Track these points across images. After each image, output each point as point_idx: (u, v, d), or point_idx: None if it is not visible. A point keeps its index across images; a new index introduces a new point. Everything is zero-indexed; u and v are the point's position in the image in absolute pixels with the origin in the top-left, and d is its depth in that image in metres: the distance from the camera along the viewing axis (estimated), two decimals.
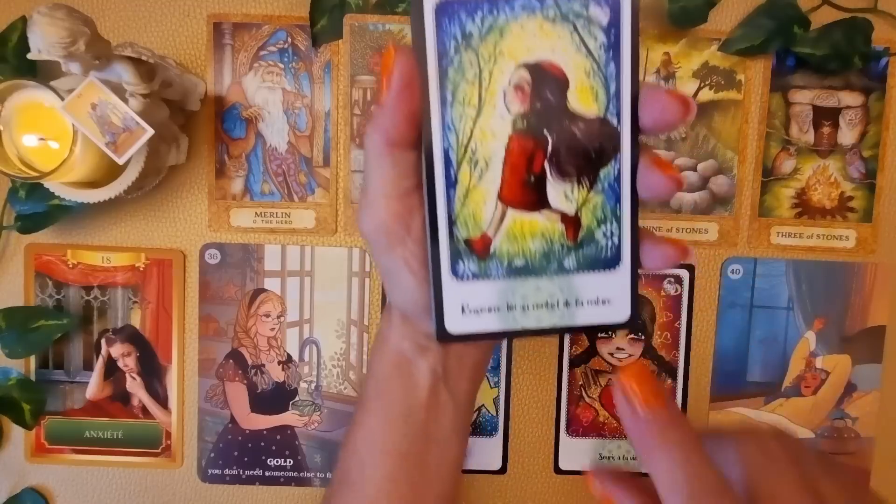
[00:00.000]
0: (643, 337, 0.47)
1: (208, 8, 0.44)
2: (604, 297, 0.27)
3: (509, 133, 0.25)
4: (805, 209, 0.46)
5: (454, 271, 0.26)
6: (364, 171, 0.28)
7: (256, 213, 0.45)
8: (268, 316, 0.46)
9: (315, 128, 0.45)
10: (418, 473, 0.33)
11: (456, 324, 0.27)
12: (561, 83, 0.25)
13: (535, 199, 0.26)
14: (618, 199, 0.26)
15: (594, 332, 0.46)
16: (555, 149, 0.25)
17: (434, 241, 0.26)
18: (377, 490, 0.32)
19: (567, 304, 0.27)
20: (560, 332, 0.27)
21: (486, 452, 0.47)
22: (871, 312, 0.47)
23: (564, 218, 0.26)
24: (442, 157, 0.25)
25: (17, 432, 0.46)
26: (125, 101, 0.36)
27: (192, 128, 0.45)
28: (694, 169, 0.46)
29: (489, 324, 0.27)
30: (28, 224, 0.43)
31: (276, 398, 0.47)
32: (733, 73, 0.45)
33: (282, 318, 0.46)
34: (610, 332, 0.46)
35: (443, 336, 0.27)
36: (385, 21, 0.44)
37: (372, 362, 0.34)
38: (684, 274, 0.47)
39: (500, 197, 0.26)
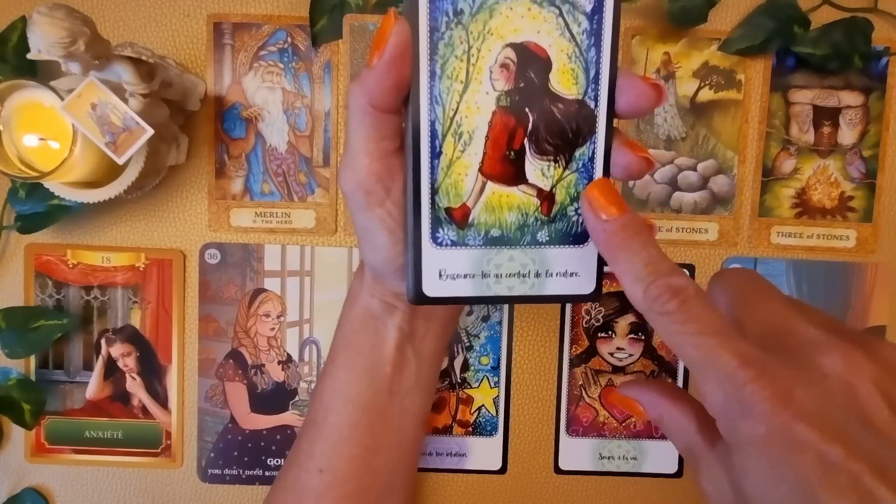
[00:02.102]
0: (643, 337, 0.47)
1: (208, 8, 0.44)
2: (572, 270, 0.28)
3: (493, 109, 0.26)
4: (805, 209, 0.46)
5: (434, 238, 0.27)
6: (346, 129, 0.28)
7: (256, 213, 0.45)
8: (268, 316, 0.46)
9: (315, 128, 0.45)
10: (379, 422, 0.35)
11: (433, 288, 0.28)
12: (544, 64, 0.26)
13: (514, 174, 0.27)
14: (591, 179, 0.27)
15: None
16: (535, 127, 0.27)
17: (416, 209, 0.27)
18: (338, 434, 0.35)
19: (538, 274, 0.28)
20: (529, 301, 0.28)
21: (486, 452, 0.47)
22: (871, 312, 0.47)
23: (540, 193, 0.27)
24: (428, 128, 0.26)
25: (17, 432, 0.46)
26: (125, 101, 0.36)
27: (192, 128, 0.45)
28: (694, 169, 0.46)
29: (463, 289, 0.28)
30: (28, 224, 0.43)
31: (276, 398, 0.47)
32: (733, 72, 0.45)
33: (282, 318, 0.46)
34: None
35: (419, 298, 0.28)
36: None
37: (342, 317, 0.36)
38: None
39: (481, 170, 0.27)
